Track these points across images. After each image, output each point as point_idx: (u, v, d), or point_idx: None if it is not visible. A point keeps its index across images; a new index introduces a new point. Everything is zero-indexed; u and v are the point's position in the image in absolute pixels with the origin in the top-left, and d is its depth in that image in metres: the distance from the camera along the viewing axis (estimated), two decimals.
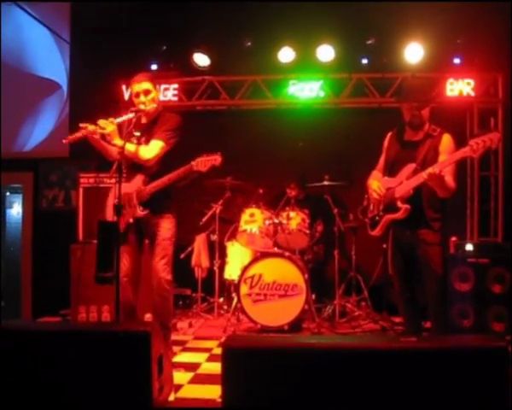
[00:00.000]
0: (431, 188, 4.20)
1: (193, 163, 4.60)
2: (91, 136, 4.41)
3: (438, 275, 4.31)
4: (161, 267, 4.60)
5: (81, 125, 4.37)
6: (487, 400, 2.44)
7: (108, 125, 4.37)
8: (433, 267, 4.30)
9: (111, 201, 4.62)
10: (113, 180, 4.53)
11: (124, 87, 7.33)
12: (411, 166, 4.29)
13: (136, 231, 4.69)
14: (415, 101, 4.36)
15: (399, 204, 4.31)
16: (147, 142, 4.62)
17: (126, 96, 7.26)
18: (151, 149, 4.55)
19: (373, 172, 4.74)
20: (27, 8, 7.86)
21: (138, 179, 4.62)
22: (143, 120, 4.72)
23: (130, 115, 4.37)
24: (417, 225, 4.33)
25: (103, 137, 4.48)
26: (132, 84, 4.72)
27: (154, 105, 4.67)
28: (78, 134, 4.34)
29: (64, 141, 4.41)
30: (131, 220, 4.62)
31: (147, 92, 4.65)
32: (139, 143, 4.59)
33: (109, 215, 4.58)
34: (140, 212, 4.57)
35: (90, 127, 4.35)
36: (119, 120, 4.42)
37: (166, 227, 4.67)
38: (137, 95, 4.65)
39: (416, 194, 4.26)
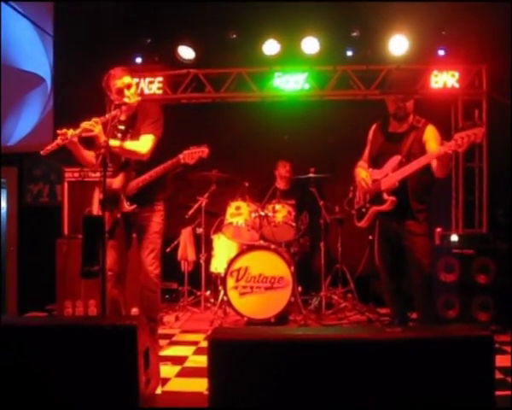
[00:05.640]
0: (416, 179, 4.24)
1: (180, 156, 4.55)
2: (69, 141, 4.17)
3: (424, 266, 4.34)
4: (150, 261, 4.60)
5: (58, 131, 4.16)
6: (472, 389, 2.46)
7: (95, 127, 4.16)
8: (419, 258, 4.33)
9: (97, 196, 4.57)
10: (99, 174, 4.46)
11: None
12: (397, 159, 4.32)
13: (123, 225, 4.66)
14: (400, 93, 4.38)
15: (385, 196, 4.35)
16: (133, 137, 4.53)
17: None
18: (145, 144, 4.47)
19: (359, 163, 4.76)
20: (10, 2, 7.77)
21: (124, 174, 4.58)
22: (122, 117, 4.54)
23: (114, 111, 4.26)
24: (403, 217, 4.36)
25: (86, 139, 4.29)
26: (112, 80, 4.54)
27: (138, 98, 4.63)
28: (57, 142, 4.11)
29: (42, 153, 4.08)
30: (119, 215, 4.61)
31: (129, 86, 4.57)
32: (124, 139, 4.49)
33: (96, 210, 4.54)
34: (127, 207, 4.54)
35: (70, 132, 4.13)
36: (104, 118, 4.23)
37: (156, 221, 4.66)
38: (120, 91, 4.52)
39: (402, 186, 4.30)
